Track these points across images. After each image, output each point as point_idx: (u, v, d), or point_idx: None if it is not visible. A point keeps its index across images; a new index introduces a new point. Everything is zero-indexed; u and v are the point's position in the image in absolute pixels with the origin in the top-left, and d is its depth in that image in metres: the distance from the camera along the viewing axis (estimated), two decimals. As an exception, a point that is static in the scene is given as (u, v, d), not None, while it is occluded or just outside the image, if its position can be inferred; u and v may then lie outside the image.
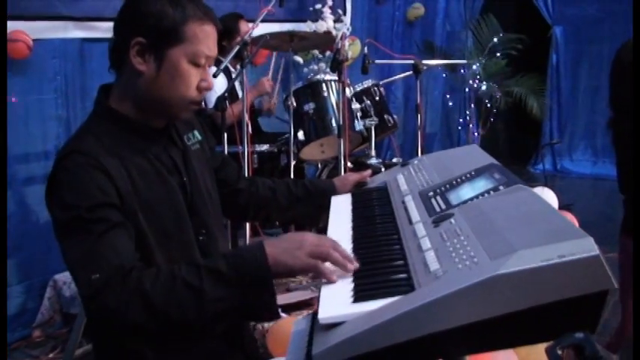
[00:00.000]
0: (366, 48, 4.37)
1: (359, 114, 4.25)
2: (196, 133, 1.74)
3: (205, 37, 1.53)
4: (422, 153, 4.10)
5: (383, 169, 3.67)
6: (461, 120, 7.48)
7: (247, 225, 3.71)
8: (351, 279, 1.26)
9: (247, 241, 3.71)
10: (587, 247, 1.00)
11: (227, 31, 4.24)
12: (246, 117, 3.63)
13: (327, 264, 1.32)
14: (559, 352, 0.80)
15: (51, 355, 3.59)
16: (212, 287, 1.30)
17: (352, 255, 1.35)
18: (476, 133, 7.13)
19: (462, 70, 7.20)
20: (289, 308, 3.24)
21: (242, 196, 1.93)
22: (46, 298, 3.82)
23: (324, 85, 4.20)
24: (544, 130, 7.70)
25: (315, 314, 1.74)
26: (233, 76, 4.17)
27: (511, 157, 7.43)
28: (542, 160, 7.39)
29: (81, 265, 1.36)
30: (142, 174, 1.52)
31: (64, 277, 3.80)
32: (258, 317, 1.37)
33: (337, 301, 1.17)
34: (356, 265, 1.30)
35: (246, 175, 3.43)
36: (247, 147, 3.62)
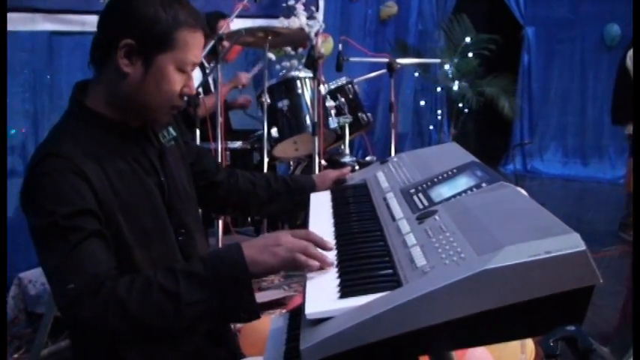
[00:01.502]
0: (340, 45, 4.38)
1: (333, 111, 4.27)
2: (171, 129, 1.73)
3: (195, 44, 1.52)
4: (395, 152, 4.14)
5: (357, 168, 3.68)
6: (432, 120, 7.55)
7: (219, 223, 3.71)
8: (336, 274, 1.27)
9: (220, 239, 3.71)
10: (573, 242, 1.02)
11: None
12: (220, 114, 3.63)
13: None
14: (551, 344, 0.82)
15: (16, 356, 3.53)
16: (189, 290, 1.30)
17: (331, 245, 1.38)
18: (448, 133, 7.20)
19: (435, 70, 7.27)
20: (262, 308, 3.24)
21: (221, 188, 1.93)
22: (10, 296, 3.76)
23: (298, 82, 4.21)
24: (515, 131, 7.81)
25: (292, 312, 1.76)
26: (207, 71, 4.17)
27: (482, 157, 7.43)
28: (512, 160, 7.49)
29: (56, 275, 1.35)
30: (121, 176, 1.50)
31: (30, 275, 3.74)
32: (237, 318, 1.36)
33: (324, 296, 1.17)
34: (331, 258, 1.32)
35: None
36: (221, 143, 3.61)
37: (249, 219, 4.44)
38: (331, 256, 1.35)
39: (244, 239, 4.47)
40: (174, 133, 1.73)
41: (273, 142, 4.14)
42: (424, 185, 1.59)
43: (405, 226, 1.37)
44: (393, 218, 1.46)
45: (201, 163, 1.89)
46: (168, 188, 1.62)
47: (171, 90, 1.52)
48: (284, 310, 3.14)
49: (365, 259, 1.31)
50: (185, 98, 1.58)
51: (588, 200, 6.51)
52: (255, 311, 1.34)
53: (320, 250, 1.34)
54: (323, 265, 1.31)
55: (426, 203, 1.46)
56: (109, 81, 1.52)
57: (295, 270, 1.36)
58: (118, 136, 1.54)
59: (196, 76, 4.13)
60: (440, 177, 1.60)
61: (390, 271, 1.21)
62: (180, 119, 1.81)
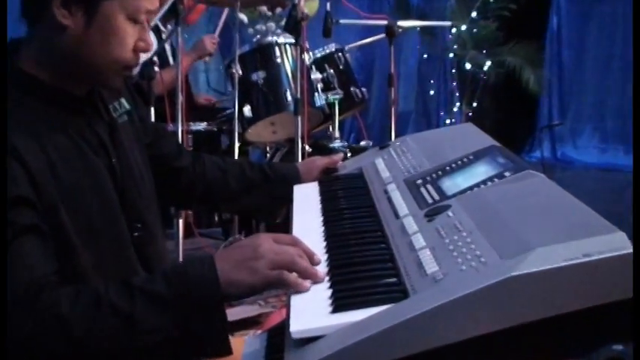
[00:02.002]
0: (328, 4, 4.37)
1: (320, 86, 4.27)
2: (124, 102, 1.72)
3: None
4: (395, 135, 4.15)
5: (349, 155, 3.68)
6: (441, 96, 7.56)
7: (180, 222, 3.70)
8: (327, 284, 1.27)
9: (180, 243, 3.70)
10: (618, 243, 1.03)
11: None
12: (182, 90, 3.62)
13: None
14: (594, 367, 0.82)
15: None
16: (146, 313, 1.30)
17: (320, 256, 1.38)
18: (459, 112, 7.22)
19: (444, 35, 7.27)
20: (232, 327, 3.24)
21: (184, 175, 1.94)
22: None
23: (277, 49, 4.20)
24: (542, 110, 7.82)
25: (271, 332, 1.76)
26: (164, 36, 4.15)
27: (501, 143, 7.51)
28: (539, 146, 7.49)
29: None
30: (63, 156, 1.48)
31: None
32: (203, 352, 1.36)
33: (312, 310, 1.18)
34: (322, 274, 1.32)
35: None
36: (182, 125, 3.62)
37: (216, 217, 4.44)
38: (322, 259, 1.36)
39: (211, 244, 4.50)
40: (127, 107, 1.72)
41: (246, 123, 4.14)
42: (434, 175, 1.60)
43: (411, 224, 1.38)
44: (397, 215, 1.47)
45: (160, 144, 1.89)
46: (121, 172, 1.62)
47: (122, 43, 1.52)
48: (259, 331, 3.14)
49: (362, 265, 1.32)
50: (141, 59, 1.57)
51: (631, 194, 6.52)
52: (226, 345, 1.33)
53: (310, 269, 1.33)
54: (315, 280, 1.30)
55: (436, 197, 1.48)
56: (45, 38, 1.51)
57: (280, 289, 1.37)
58: (59, 105, 1.53)
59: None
60: (453, 165, 1.61)
61: (394, 279, 1.22)
62: (138, 94, 1.81)
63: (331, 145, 4.22)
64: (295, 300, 1.24)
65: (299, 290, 1.28)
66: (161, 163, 1.86)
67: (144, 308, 1.29)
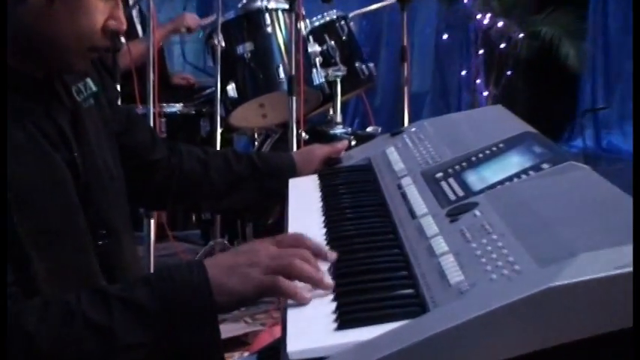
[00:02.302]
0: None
1: (318, 60, 4.27)
2: (90, 82, 1.72)
3: None
4: (409, 120, 4.15)
5: (354, 143, 3.69)
6: (463, 73, 7.55)
7: (151, 223, 3.70)
8: (330, 297, 1.28)
9: (151, 248, 3.70)
10: (679, 248, 1.03)
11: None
12: (154, 67, 3.62)
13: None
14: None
15: None
16: (127, 326, 1.30)
17: (333, 255, 1.39)
18: (485, 93, 7.22)
19: (466, 1, 7.26)
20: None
21: (159, 170, 1.94)
22: None
23: (267, 16, 4.21)
24: (584, 90, 7.82)
25: (261, 354, 1.76)
26: (130, 1, 4.15)
27: (536, 129, 7.47)
28: (580, 133, 7.48)
29: None
30: (17, 151, 1.48)
31: None
32: None
33: (313, 327, 1.18)
34: (329, 280, 1.32)
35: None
36: (153, 106, 3.62)
37: (194, 217, 4.44)
38: (324, 268, 1.37)
39: (187, 249, 4.49)
40: (94, 88, 1.73)
41: (230, 104, 4.15)
42: (457, 166, 1.61)
43: (430, 225, 1.39)
44: (413, 215, 1.48)
45: (133, 133, 1.89)
46: (84, 168, 1.62)
47: (89, 20, 1.53)
48: (246, 352, 3.15)
49: (372, 273, 1.33)
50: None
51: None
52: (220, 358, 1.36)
53: (313, 272, 1.34)
54: (319, 287, 1.31)
55: (460, 193, 1.49)
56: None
57: (278, 296, 1.38)
58: (13, 90, 1.53)
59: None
60: (480, 154, 1.62)
61: (410, 290, 1.23)
62: (103, 70, 1.81)
63: (332, 132, 4.24)
64: (293, 315, 1.24)
65: (296, 300, 1.29)
66: (133, 156, 1.87)
67: (123, 320, 1.30)
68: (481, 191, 1.44)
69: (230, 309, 1.37)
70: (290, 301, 1.29)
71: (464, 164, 1.61)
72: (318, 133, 4.26)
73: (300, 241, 1.41)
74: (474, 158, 1.61)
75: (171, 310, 1.31)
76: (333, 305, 1.24)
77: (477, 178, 1.52)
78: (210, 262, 1.36)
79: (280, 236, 1.43)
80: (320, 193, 1.81)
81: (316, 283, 1.32)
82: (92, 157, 1.65)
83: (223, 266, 1.35)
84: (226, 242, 4.12)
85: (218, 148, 3.97)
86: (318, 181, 1.91)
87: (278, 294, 1.33)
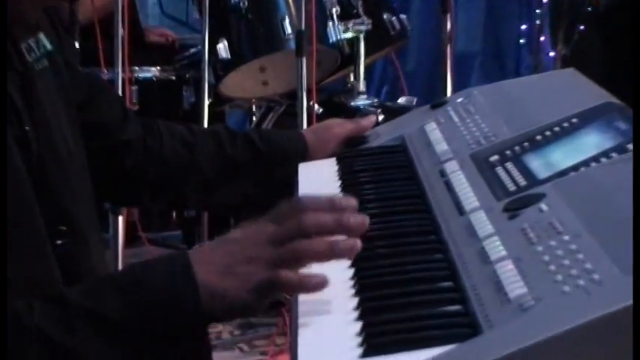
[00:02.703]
0: None
1: (335, 11, 4.27)
2: (43, 39, 1.73)
3: None
4: (454, 89, 4.15)
5: (381, 117, 3.68)
6: (523, 28, 7.55)
7: (119, 222, 3.71)
8: (354, 314, 1.27)
9: (119, 252, 3.72)
10: None
11: None
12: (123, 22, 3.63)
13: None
14: None
15: None
16: (91, 346, 1.31)
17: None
18: (551, 54, 7.20)
19: None
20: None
21: (131, 155, 1.95)
22: None
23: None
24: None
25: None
26: None
27: (618, 98, 7.45)
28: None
29: None
30: None
31: None
32: None
33: (333, 353, 1.19)
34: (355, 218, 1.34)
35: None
36: (123, 71, 3.63)
37: (174, 215, 4.45)
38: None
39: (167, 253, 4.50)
40: (48, 47, 1.73)
41: (222, 68, 4.18)
42: (517, 148, 1.61)
43: (483, 223, 1.38)
44: (461, 210, 1.48)
45: (97, 105, 1.90)
46: (38, 147, 1.62)
47: None
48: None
49: (407, 285, 1.32)
50: None
51: None
52: None
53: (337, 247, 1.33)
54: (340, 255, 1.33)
55: (521, 181, 1.48)
56: None
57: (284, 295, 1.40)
58: None
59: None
60: (547, 132, 1.62)
61: (458, 307, 1.22)
62: (58, 24, 1.81)
63: (354, 104, 4.23)
64: (305, 337, 1.24)
65: (304, 290, 1.32)
66: (97, 136, 1.87)
67: (87, 339, 1.30)
68: (549, 179, 1.44)
69: (224, 319, 1.38)
70: (301, 320, 1.29)
71: (526, 145, 1.60)
72: (336, 105, 4.26)
73: (298, 208, 1.38)
74: (539, 137, 1.60)
75: (146, 325, 1.31)
76: (358, 326, 1.23)
77: (543, 163, 1.52)
78: (197, 256, 1.36)
79: (276, 211, 1.41)
80: (339, 182, 1.81)
81: (336, 255, 1.33)
82: (48, 133, 1.65)
83: (216, 264, 1.35)
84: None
85: (206, 125, 3.97)
86: (336, 167, 1.90)
87: (282, 291, 1.34)
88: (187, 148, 1.99)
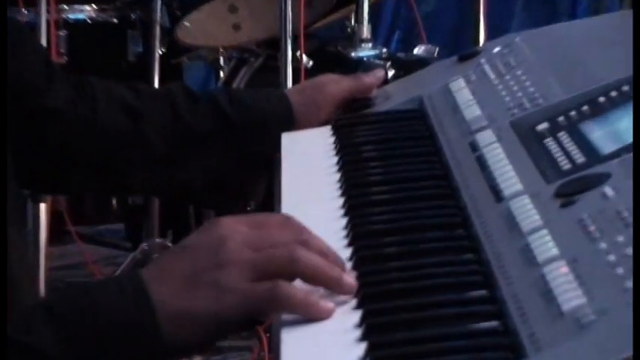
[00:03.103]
0: None
1: None
2: None
3: None
4: (487, 37, 4.16)
5: (391, 73, 3.70)
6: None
7: (41, 212, 3.72)
8: (355, 333, 1.27)
9: (41, 254, 3.72)
10: None
11: None
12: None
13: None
14: None
15: None
16: None
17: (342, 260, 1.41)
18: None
19: None
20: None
21: (58, 125, 1.96)
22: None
23: None
24: None
25: None
26: None
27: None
28: None
29: None
30: None
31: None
32: None
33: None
34: (351, 279, 1.35)
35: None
36: (47, 10, 3.62)
37: (114, 202, 4.46)
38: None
39: (102, 256, 4.51)
40: None
41: (179, 7, 4.23)
42: (573, 114, 1.61)
43: (528, 212, 1.39)
44: (499, 195, 1.48)
45: (12, 58, 1.88)
46: None
47: None
48: None
49: (426, 295, 1.32)
50: None
51: None
52: None
53: (321, 264, 1.35)
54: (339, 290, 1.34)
55: (579, 158, 1.48)
56: None
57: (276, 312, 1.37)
58: None
59: None
60: (612, 93, 1.61)
61: (494, 322, 1.22)
62: None
63: (355, 55, 4.26)
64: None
65: (312, 314, 1.31)
66: (12, 101, 1.85)
67: None
68: (615, 155, 1.43)
69: (196, 346, 1.39)
70: (286, 342, 1.29)
71: (585, 109, 1.60)
72: (331, 56, 4.30)
73: (287, 223, 1.42)
74: (601, 99, 1.60)
75: None
76: (361, 349, 1.23)
77: (606, 134, 1.51)
78: (151, 273, 1.37)
79: (252, 216, 1.44)
80: (335, 159, 1.81)
81: (335, 284, 1.34)
82: None
83: (175, 278, 1.35)
84: (169, 244, 4.13)
85: (157, 84, 3.98)
86: (331, 138, 1.91)
87: (278, 309, 1.33)
88: (131, 116, 1.99)
